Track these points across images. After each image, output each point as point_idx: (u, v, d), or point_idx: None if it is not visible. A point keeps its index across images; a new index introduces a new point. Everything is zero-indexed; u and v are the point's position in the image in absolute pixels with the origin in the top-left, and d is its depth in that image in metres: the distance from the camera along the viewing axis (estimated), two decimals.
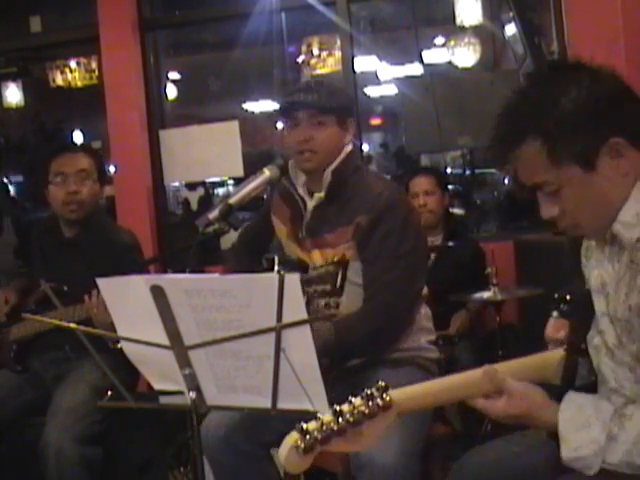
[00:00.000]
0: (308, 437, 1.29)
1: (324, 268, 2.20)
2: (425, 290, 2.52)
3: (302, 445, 1.29)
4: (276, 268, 2.36)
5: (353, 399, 1.35)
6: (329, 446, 1.32)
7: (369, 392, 1.35)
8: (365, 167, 2.48)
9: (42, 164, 3.07)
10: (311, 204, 2.42)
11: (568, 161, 1.46)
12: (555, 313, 1.64)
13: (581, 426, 1.42)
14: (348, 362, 2.32)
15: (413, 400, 1.46)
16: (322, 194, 2.39)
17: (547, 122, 1.46)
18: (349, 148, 2.43)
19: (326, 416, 1.32)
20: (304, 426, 1.30)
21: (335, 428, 1.31)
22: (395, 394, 1.39)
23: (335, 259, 2.27)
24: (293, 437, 1.31)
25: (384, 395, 1.36)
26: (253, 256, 2.60)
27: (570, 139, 1.45)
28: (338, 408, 1.32)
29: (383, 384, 1.37)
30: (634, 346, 1.48)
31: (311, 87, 2.41)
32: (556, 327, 1.68)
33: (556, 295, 1.65)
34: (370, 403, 1.34)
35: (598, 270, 1.57)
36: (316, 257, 2.39)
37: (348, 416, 1.32)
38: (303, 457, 1.31)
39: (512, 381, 1.48)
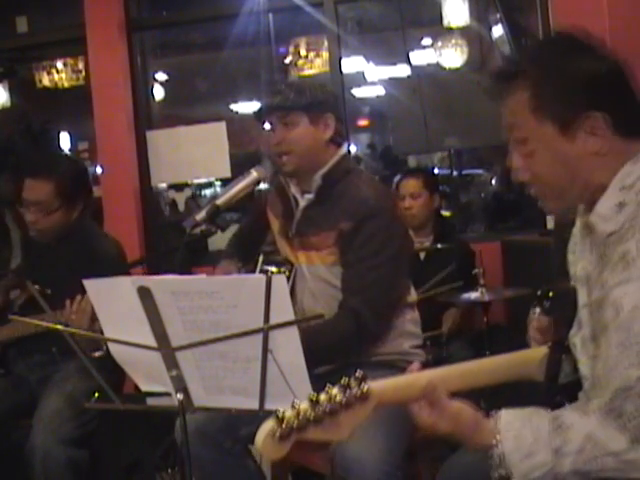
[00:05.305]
0: (285, 425, 1.30)
1: None
2: (414, 295, 2.51)
3: (278, 432, 1.31)
4: (258, 268, 2.36)
5: (330, 388, 1.35)
6: (306, 434, 1.33)
7: (346, 382, 1.36)
8: (358, 171, 2.44)
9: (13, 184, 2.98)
10: (302, 204, 2.42)
11: (548, 118, 1.44)
12: (537, 309, 1.63)
13: (526, 455, 1.40)
14: (316, 368, 2.22)
15: (392, 392, 1.46)
16: (312, 196, 2.38)
17: (542, 74, 1.45)
18: (341, 152, 2.40)
19: (302, 405, 1.33)
20: (280, 414, 1.31)
21: (311, 417, 1.32)
22: (374, 385, 1.40)
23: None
24: (269, 424, 1.32)
25: (362, 385, 1.36)
26: (250, 251, 2.63)
27: (557, 96, 1.44)
28: (314, 397, 1.33)
29: (360, 374, 1.37)
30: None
31: (280, 90, 2.39)
32: (539, 327, 1.67)
33: (539, 292, 1.64)
34: (347, 392, 1.35)
35: (582, 262, 1.57)
36: (302, 258, 2.39)
37: (325, 405, 1.33)
38: (279, 444, 1.32)
39: (446, 400, 1.44)
